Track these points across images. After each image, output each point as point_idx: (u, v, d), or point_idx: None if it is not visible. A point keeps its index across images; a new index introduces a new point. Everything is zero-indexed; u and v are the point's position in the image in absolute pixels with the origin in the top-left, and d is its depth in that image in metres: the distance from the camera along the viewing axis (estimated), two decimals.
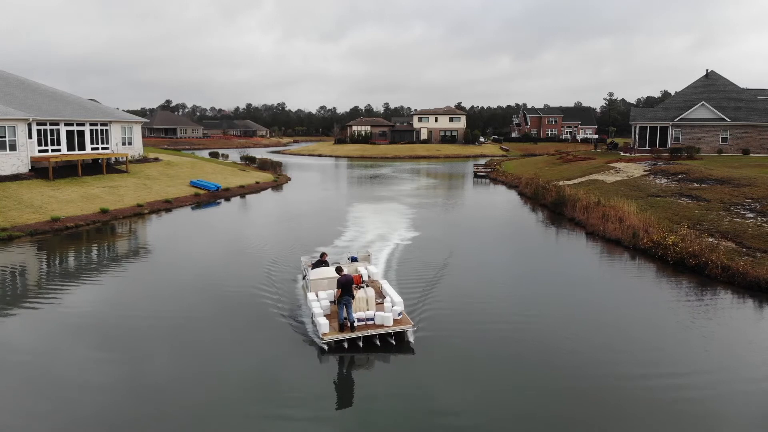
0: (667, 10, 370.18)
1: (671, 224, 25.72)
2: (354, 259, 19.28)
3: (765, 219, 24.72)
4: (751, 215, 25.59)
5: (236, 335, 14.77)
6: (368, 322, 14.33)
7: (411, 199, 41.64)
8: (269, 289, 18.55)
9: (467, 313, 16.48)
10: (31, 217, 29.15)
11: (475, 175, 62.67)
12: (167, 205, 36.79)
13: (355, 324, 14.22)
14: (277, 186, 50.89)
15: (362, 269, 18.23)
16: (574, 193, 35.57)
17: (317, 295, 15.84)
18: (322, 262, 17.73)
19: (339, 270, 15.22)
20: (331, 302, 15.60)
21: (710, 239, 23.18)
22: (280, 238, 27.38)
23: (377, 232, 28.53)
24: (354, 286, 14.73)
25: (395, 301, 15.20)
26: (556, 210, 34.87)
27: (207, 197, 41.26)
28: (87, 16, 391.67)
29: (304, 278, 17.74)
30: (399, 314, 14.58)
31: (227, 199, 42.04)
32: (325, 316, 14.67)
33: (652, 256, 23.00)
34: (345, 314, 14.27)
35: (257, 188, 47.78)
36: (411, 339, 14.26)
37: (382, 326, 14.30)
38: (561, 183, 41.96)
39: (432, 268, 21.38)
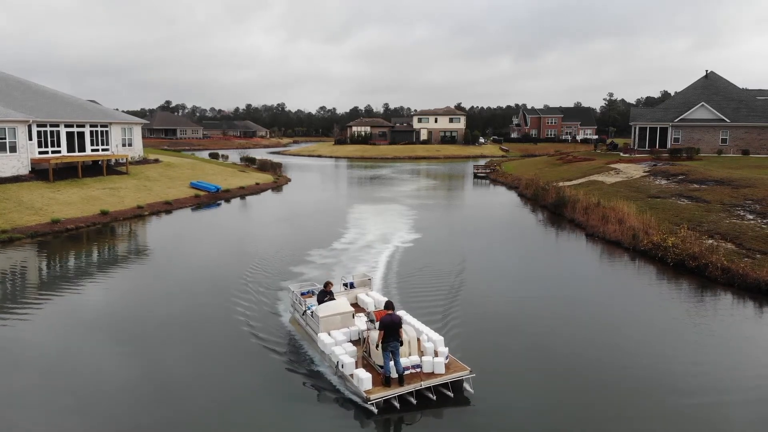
0: (667, 11, 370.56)
1: (671, 226, 25.74)
2: (351, 285, 16.30)
3: (765, 220, 24.74)
4: (751, 217, 25.61)
5: (246, 399, 11.51)
6: (415, 370, 11.71)
7: (412, 201, 41.67)
8: (267, 320, 15.87)
9: (507, 338, 14.61)
10: (32, 219, 29.16)
11: (475, 176, 62.71)
12: (167, 207, 36.80)
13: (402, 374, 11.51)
14: (277, 187, 50.92)
15: (363, 297, 15.62)
16: (574, 194, 35.59)
17: (332, 337, 13.04)
18: (326, 293, 14.57)
19: (389, 306, 12.00)
20: (355, 340, 13.21)
21: (710, 241, 23.19)
22: (281, 242, 27.33)
23: (378, 233, 28.50)
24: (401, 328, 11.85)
25: (434, 338, 12.64)
26: (557, 211, 34.89)
27: (207, 198, 41.28)
28: (93, 17, 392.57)
29: (303, 314, 14.52)
30: (446, 357, 12.09)
31: (227, 200, 42.06)
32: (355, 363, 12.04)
33: (652, 257, 23.02)
34: (391, 364, 11.49)
35: (257, 189, 47.79)
36: (470, 388, 11.69)
37: (432, 374, 11.69)
38: (561, 184, 41.98)
39: (446, 276, 20.30)
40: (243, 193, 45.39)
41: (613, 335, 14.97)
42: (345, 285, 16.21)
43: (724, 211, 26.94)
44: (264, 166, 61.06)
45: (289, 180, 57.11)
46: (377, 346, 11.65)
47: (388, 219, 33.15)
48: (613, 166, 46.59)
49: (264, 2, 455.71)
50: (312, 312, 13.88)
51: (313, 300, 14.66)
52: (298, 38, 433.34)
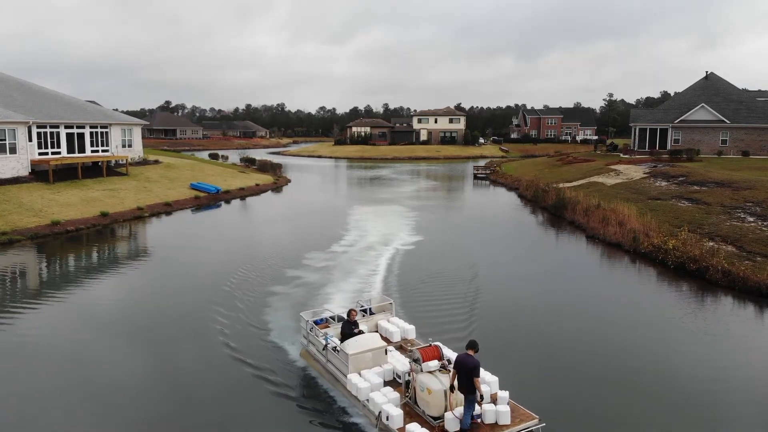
0: (668, 12, 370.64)
1: (672, 228, 25.73)
2: (370, 311, 14.00)
3: (765, 223, 24.72)
4: (751, 219, 25.59)
5: None
6: (475, 421, 9.84)
7: (412, 202, 41.65)
8: (273, 354, 13.70)
9: (550, 364, 13.04)
10: (32, 221, 29.13)
11: (475, 177, 62.72)
12: (167, 208, 36.77)
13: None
14: (276, 188, 50.90)
15: (385, 324, 13.47)
16: (574, 196, 35.57)
17: (365, 378, 11.02)
18: (351, 323, 12.44)
19: (472, 345, 9.92)
20: (389, 381, 11.28)
21: (711, 243, 23.18)
22: (281, 244, 27.27)
23: (379, 235, 28.45)
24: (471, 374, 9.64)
25: (487, 380, 10.76)
26: (557, 213, 34.87)
27: (207, 200, 41.26)
28: (98, 18, 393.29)
29: (324, 348, 12.23)
30: (507, 402, 10.25)
31: (227, 201, 42.04)
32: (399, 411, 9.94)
33: (653, 260, 23.00)
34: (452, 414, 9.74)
35: (257, 190, 47.78)
36: None
37: (496, 426, 9.80)
38: (561, 185, 41.96)
39: (457, 284, 19.51)
40: (243, 194, 45.37)
41: (655, 350, 14.20)
42: (363, 311, 13.95)
43: (725, 214, 26.92)
44: (264, 167, 61.02)
45: (289, 181, 57.10)
46: (451, 387, 9.88)
47: (388, 220, 33.12)
48: (613, 167, 46.57)
49: (269, 3, 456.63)
50: (335, 348, 11.78)
51: (332, 330, 12.69)
52: (302, 39, 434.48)
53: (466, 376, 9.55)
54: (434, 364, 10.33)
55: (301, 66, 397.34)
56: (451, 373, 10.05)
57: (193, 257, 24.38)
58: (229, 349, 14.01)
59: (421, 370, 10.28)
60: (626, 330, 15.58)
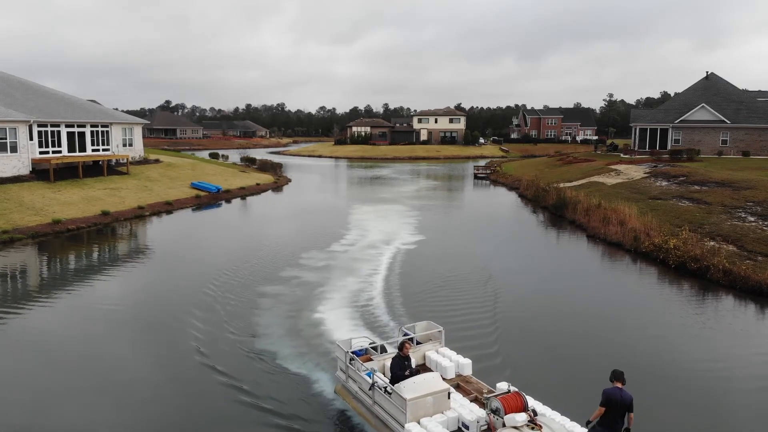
0: (669, 13, 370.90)
1: (672, 227, 25.75)
2: (416, 342, 11.71)
3: (766, 223, 24.75)
4: (752, 218, 25.62)
5: None
6: None
7: (413, 201, 41.66)
8: (297, 387, 11.69)
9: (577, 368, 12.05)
10: (32, 219, 29.14)
11: (476, 177, 62.79)
12: (168, 207, 36.79)
13: None
14: (277, 187, 50.93)
15: (434, 356, 11.29)
16: (574, 196, 35.58)
17: (426, 428, 8.94)
18: (404, 359, 10.25)
19: (618, 377, 8.44)
20: (460, 430, 9.15)
21: (711, 243, 23.20)
22: (283, 244, 27.27)
23: (380, 235, 28.43)
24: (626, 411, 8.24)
25: (572, 431, 8.66)
26: (557, 212, 34.90)
27: (208, 199, 41.28)
28: (106, 18, 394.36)
29: (371, 388, 10.08)
30: None
31: (228, 200, 42.06)
32: None
33: (653, 259, 23.03)
34: None
35: (258, 190, 47.81)
36: None
37: None
38: (561, 185, 41.99)
39: (472, 288, 18.80)
40: (243, 193, 45.39)
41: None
42: (410, 342, 11.34)
43: (725, 213, 26.95)
44: (264, 167, 61.05)
45: (290, 180, 57.13)
46: (587, 423, 8.48)
47: (389, 220, 33.12)
48: (613, 167, 46.59)
49: (278, 5, 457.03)
50: (386, 389, 9.66)
51: (375, 364, 10.80)
52: (306, 40, 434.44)
53: (620, 413, 8.08)
54: (522, 418, 8.42)
55: (302, 66, 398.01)
56: (597, 411, 8.43)
57: (194, 257, 24.37)
58: (243, 391, 11.53)
59: (503, 425, 8.43)
60: (641, 333, 15.61)
